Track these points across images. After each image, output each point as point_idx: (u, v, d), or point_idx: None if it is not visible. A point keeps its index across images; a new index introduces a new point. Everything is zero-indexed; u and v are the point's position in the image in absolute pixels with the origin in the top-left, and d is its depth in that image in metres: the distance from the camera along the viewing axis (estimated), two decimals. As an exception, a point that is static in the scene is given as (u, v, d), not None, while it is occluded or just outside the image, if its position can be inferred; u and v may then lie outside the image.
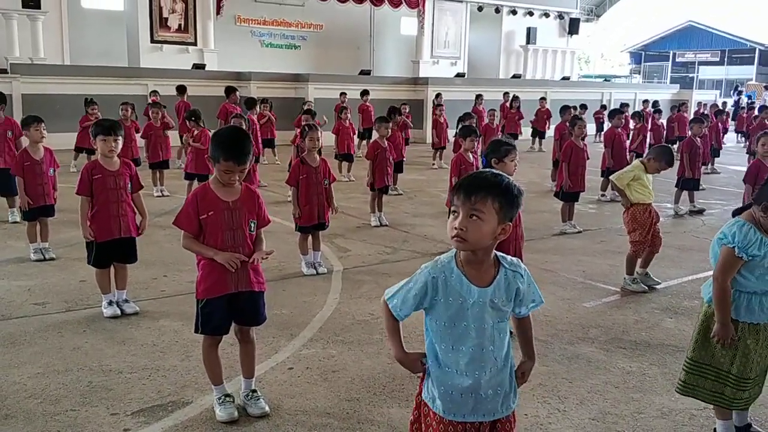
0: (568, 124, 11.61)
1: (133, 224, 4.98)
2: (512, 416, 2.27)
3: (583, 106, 15.63)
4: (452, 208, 2.11)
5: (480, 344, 2.13)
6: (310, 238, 6.11)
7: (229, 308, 3.37)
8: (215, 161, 3.25)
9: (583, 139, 8.28)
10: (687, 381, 3.22)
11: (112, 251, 4.89)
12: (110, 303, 4.92)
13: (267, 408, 3.48)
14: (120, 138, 4.85)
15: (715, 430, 3.31)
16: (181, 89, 14.21)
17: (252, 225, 3.38)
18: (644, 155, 6.32)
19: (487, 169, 2.25)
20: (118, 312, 4.88)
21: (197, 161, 8.77)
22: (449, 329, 2.12)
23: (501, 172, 2.16)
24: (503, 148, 4.46)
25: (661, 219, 5.97)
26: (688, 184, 9.52)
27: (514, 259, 2.22)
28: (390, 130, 8.55)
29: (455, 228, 2.05)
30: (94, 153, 10.88)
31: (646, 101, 19.89)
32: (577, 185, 8.11)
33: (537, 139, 17.73)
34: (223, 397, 3.45)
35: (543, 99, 18.13)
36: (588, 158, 8.31)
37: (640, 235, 5.72)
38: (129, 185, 4.94)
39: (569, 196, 8.12)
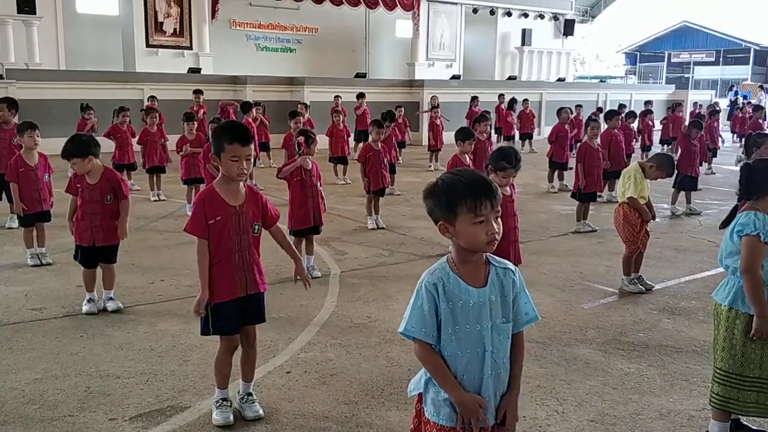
0: (566, 126, 11.72)
1: (112, 234, 5.01)
2: None
3: (578, 107, 15.64)
4: (479, 219, 2.06)
5: (481, 346, 2.13)
6: (303, 242, 6.10)
7: (238, 310, 3.39)
8: (220, 152, 3.23)
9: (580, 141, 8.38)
10: (721, 394, 3.16)
11: (92, 254, 5.04)
12: (90, 300, 5.03)
13: (261, 411, 3.49)
14: (89, 158, 4.85)
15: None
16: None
17: (255, 227, 3.39)
18: (641, 156, 6.39)
19: (470, 170, 2.24)
20: (95, 310, 5.00)
21: (198, 167, 8.75)
22: (453, 335, 2.12)
23: (475, 174, 2.17)
24: (501, 164, 4.32)
25: (655, 219, 5.97)
26: (686, 184, 9.50)
27: (500, 258, 2.24)
28: (382, 135, 8.55)
29: (491, 233, 2.07)
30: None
31: (647, 102, 19.86)
32: (594, 185, 8.28)
33: (526, 141, 17.75)
34: (221, 401, 3.46)
35: (526, 101, 18.08)
36: (604, 159, 8.49)
37: (630, 233, 5.73)
38: (108, 197, 4.96)
39: (586, 196, 8.24)
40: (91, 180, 4.93)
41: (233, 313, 3.37)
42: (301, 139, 5.90)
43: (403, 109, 14.78)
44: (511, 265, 2.22)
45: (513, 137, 16.90)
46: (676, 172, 9.35)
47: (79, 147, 4.88)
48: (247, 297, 3.38)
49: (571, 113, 12.81)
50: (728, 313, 3.13)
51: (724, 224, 3.23)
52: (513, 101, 17.26)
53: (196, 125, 9.29)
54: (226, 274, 3.30)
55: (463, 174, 2.15)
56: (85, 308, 4.99)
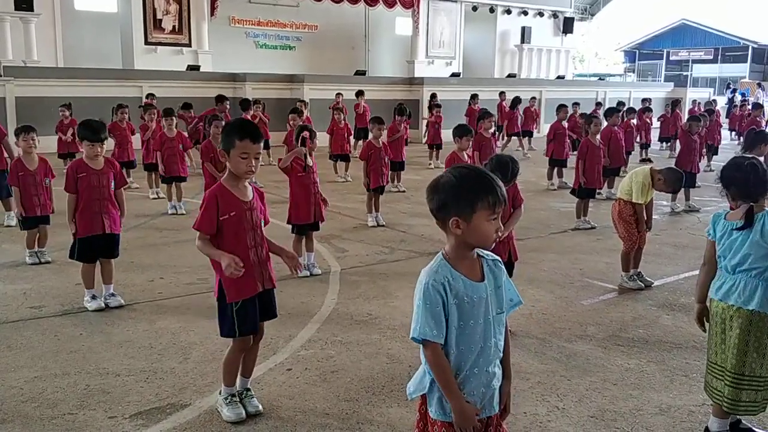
0: (564, 123, 11.73)
1: (117, 221, 5.11)
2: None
3: (576, 104, 15.57)
4: (493, 217, 2.09)
5: (486, 339, 2.15)
6: (303, 239, 6.08)
7: (257, 307, 3.39)
8: (230, 148, 3.23)
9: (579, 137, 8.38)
10: (742, 399, 3.10)
11: (95, 246, 5.01)
12: (93, 297, 5.04)
13: (260, 406, 3.50)
14: (105, 142, 5.02)
15: (707, 428, 3.30)
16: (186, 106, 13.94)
17: (262, 223, 3.41)
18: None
19: (481, 168, 2.25)
20: (103, 305, 5.02)
21: (177, 165, 8.77)
22: (459, 330, 2.12)
23: (487, 171, 2.18)
24: (496, 174, 4.30)
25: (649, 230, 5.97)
26: (685, 180, 9.43)
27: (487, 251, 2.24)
28: (382, 131, 8.55)
29: (499, 231, 2.12)
30: (74, 156, 10.97)
31: (645, 99, 19.83)
32: (594, 182, 8.26)
33: (525, 139, 17.67)
34: (230, 397, 3.46)
35: (534, 98, 18.06)
36: (604, 156, 8.47)
37: (625, 230, 5.75)
38: (112, 183, 5.05)
39: (585, 192, 8.23)
40: (96, 166, 4.99)
41: (255, 311, 3.37)
42: (306, 134, 5.88)
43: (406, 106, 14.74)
44: (497, 257, 2.25)
45: (519, 134, 16.74)
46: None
47: (105, 127, 5.06)
48: (264, 292, 3.40)
49: (582, 115, 12.76)
50: (751, 317, 3.05)
51: (744, 227, 3.06)
52: (517, 100, 16.96)
53: (174, 122, 9.21)
54: (247, 270, 3.27)
55: (478, 171, 2.14)
56: (92, 305, 4.99)
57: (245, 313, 3.33)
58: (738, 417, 3.32)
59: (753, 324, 3.05)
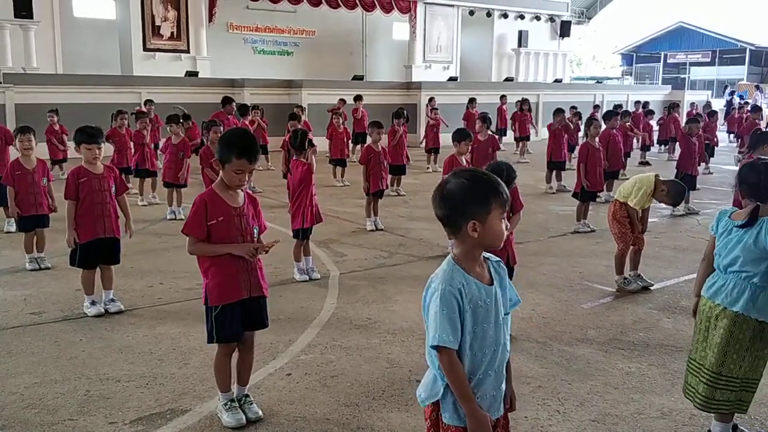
0: (560, 124, 11.75)
1: (117, 225, 5.11)
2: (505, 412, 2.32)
3: (573, 107, 15.55)
4: (503, 215, 2.12)
5: (497, 342, 2.15)
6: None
7: (241, 314, 3.38)
8: (225, 162, 3.25)
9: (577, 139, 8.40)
10: (716, 397, 3.12)
11: (96, 251, 5.01)
12: (93, 303, 5.04)
13: (260, 412, 3.49)
14: (102, 145, 5.05)
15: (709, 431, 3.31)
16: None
17: (255, 231, 3.41)
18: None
19: (481, 169, 2.28)
20: (102, 311, 5.02)
21: (175, 171, 8.77)
22: (473, 335, 2.12)
23: (488, 172, 2.20)
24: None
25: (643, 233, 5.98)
26: (685, 183, 9.43)
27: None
28: (381, 135, 8.56)
29: (507, 228, 2.15)
30: (66, 162, 10.95)
31: (638, 102, 19.89)
32: (595, 185, 8.28)
33: (521, 143, 17.63)
34: (229, 403, 3.46)
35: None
36: (605, 159, 8.52)
37: (619, 230, 5.77)
38: (113, 188, 5.08)
39: (587, 195, 8.25)
40: (96, 170, 5.01)
41: (237, 318, 3.36)
42: (311, 136, 5.98)
43: (404, 110, 14.75)
44: (497, 257, 2.27)
45: (528, 137, 16.67)
46: (676, 171, 9.41)
47: (101, 131, 5.10)
48: (250, 300, 3.38)
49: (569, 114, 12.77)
50: (735, 318, 3.06)
51: (746, 225, 3.06)
52: (525, 102, 16.74)
53: (178, 128, 9.23)
54: (230, 274, 3.30)
55: (482, 173, 2.17)
56: (92, 311, 5.00)
57: (224, 318, 3.33)
58: (735, 422, 3.32)
59: (737, 326, 3.07)
